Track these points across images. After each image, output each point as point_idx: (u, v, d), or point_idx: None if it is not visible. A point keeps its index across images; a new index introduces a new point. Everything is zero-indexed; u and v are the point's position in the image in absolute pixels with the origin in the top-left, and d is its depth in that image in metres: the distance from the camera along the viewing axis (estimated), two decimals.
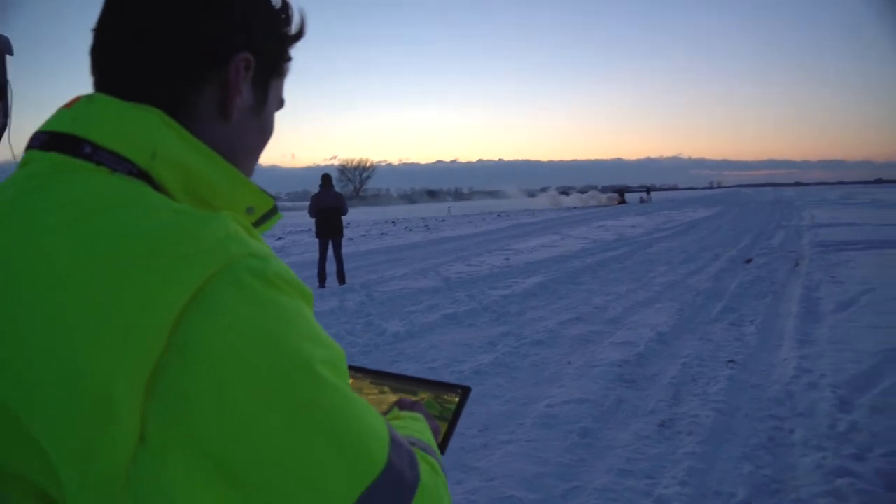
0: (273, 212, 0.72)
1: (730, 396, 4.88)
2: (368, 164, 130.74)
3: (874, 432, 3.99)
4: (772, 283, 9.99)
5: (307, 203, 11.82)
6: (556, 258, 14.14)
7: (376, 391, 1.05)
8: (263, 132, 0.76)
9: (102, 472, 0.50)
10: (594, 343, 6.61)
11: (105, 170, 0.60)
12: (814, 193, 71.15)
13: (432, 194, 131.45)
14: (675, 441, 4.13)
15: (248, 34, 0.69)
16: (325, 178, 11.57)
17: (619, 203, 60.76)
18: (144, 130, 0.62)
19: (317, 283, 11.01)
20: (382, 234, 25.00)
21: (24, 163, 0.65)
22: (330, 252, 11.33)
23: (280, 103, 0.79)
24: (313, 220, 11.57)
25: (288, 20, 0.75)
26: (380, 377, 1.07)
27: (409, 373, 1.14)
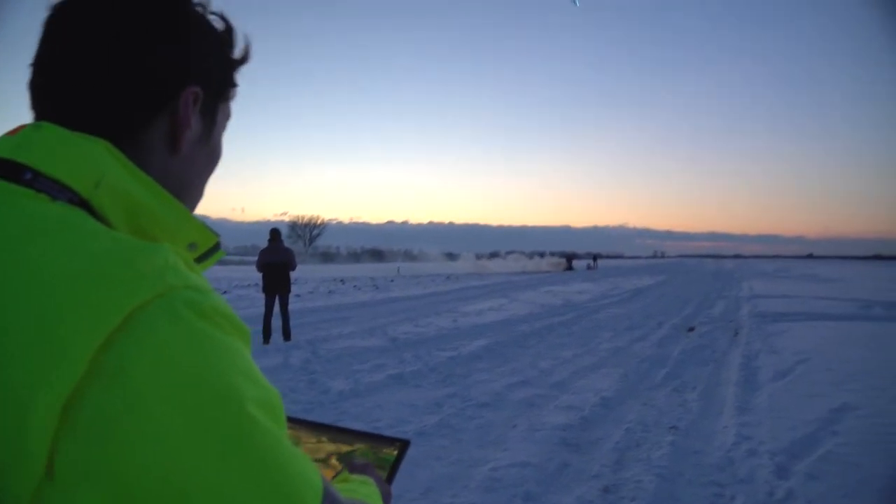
0: (215, 249, 0.70)
1: (672, 462, 4.90)
2: (319, 221, 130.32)
3: (810, 499, 4.05)
4: (713, 352, 10.21)
5: (256, 258, 11.66)
6: (504, 321, 14.19)
7: (314, 440, 1.03)
8: (212, 158, 0.76)
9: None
10: (539, 406, 6.60)
11: (45, 197, 0.59)
12: (752, 266, 73.69)
13: (381, 255, 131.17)
14: None
15: (197, 66, 0.69)
16: (274, 233, 11.46)
17: (566, 269, 61.74)
18: (88, 160, 0.61)
19: (261, 339, 10.78)
20: (331, 291, 24.74)
21: None
22: (276, 308, 11.14)
23: (227, 120, 0.78)
24: (261, 274, 11.40)
25: (232, 45, 0.75)
26: (318, 428, 1.05)
27: None
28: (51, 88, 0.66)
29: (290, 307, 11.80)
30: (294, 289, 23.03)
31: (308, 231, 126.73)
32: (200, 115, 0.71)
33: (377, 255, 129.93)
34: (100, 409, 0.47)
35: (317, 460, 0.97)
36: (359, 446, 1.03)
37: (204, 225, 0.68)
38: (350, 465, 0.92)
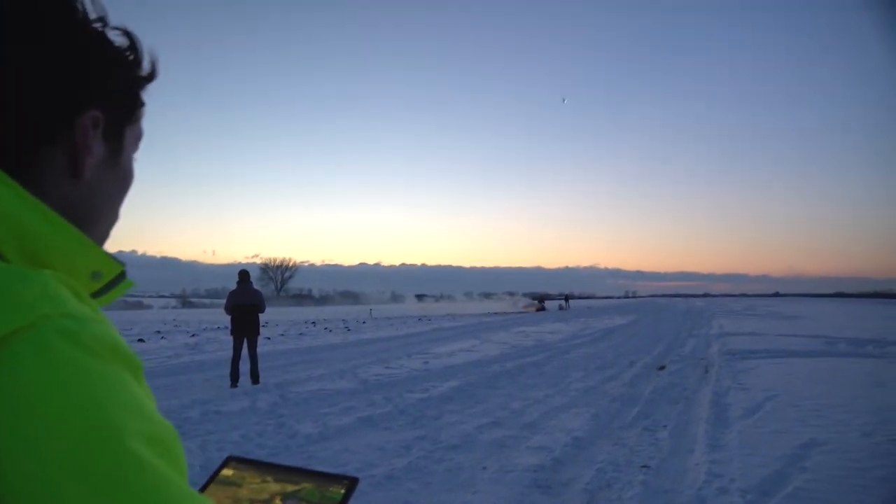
0: (121, 278, 0.67)
1: (644, 501, 4.86)
2: (291, 263, 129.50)
3: None
4: (684, 390, 10.24)
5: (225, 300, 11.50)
6: (475, 362, 14.12)
7: (258, 479, 1.00)
8: (123, 181, 0.73)
9: None
10: (510, 448, 6.52)
11: None
12: (721, 304, 74.59)
13: (355, 296, 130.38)
14: None
15: (94, 89, 0.65)
16: (243, 275, 11.33)
17: (538, 310, 61.91)
18: None
19: (229, 382, 10.57)
20: (301, 334, 24.45)
21: None
22: (245, 351, 10.95)
23: (138, 141, 0.75)
24: (229, 317, 11.22)
25: (137, 62, 0.70)
26: (263, 467, 1.02)
27: None
28: None
29: (260, 350, 11.62)
30: (264, 331, 22.76)
31: (280, 273, 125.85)
32: (104, 139, 0.67)
33: (350, 296, 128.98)
34: None
35: (260, 501, 0.94)
36: (304, 485, 0.99)
37: (107, 253, 0.65)
38: None
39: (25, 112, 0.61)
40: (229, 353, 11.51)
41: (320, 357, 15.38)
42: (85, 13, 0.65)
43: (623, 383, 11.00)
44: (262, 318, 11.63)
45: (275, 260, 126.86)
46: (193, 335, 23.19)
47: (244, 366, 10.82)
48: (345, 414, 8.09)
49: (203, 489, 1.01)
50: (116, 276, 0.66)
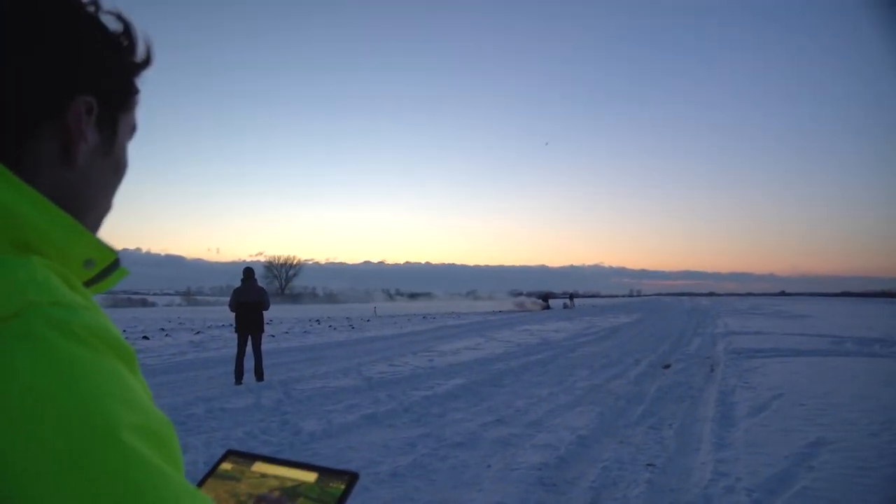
0: (115, 266, 0.65)
1: (649, 500, 4.83)
2: (295, 261, 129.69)
3: None
4: (689, 388, 10.20)
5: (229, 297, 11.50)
6: (480, 360, 14.09)
7: (258, 474, 0.98)
8: (116, 169, 0.71)
9: None
10: (515, 446, 6.50)
11: None
12: (726, 303, 74.46)
13: (359, 295, 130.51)
14: None
15: (87, 73, 0.64)
16: (247, 272, 11.33)
17: (543, 308, 61.87)
18: None
19: (233, 380, 10.58)
20: (305, 331, 24.46)
21: None
22: (249, 348, 10.95)
23: (132, 131, 0.74)
24: (234, 314, 11.23)
25: (132, 47, 0.69)
26: (263, 461, 1.01)
27: None
28: None
29: (264, 347, 11.64)
30: (269, 329, 22.82)
31: (284, 272, 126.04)
32: (98, 126, 0.66)
33: (354, 294, 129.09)
34: None
35: (259, 495, 0.92)
36: (304, 480, 0.97)
37: (100, 241, 0.63)
38: (262, 499, 0.87)
39: (16, 96, 0.60)
40: (233, 350, 11.52)
41: (324, 354, 15.39)
42: None
43: (628, 382, 10.97)
44: (267, 315, 11.64)
45: (279, 258, 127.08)
46: (198, 332, 23.22)
47: (248, 363, 10.83)
48: (349, 411, 8.08)
49: (202, 483, 0.99)
50: (110, 264, 0.65)
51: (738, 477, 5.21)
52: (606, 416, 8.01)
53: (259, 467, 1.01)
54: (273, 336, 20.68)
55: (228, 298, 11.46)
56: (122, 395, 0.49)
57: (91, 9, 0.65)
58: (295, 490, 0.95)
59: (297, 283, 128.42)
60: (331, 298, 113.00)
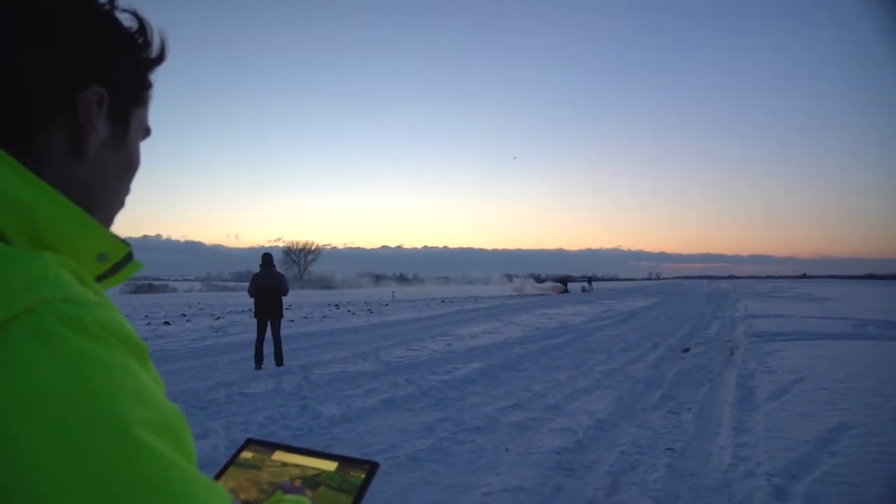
0: (128, 259, 0.65)
1: (668, 485, 4.82)
2: (314, 246, 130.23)
3: None
4: (708, 372, 10.14)
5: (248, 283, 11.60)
6: (498, 344, 14.10)
7: (278, 462, 0.99)
8: (128, 165, 0.71)
9: None
10: (533, 430, 6.51)
11: None
12: (746, 286, 73.86)
13: (377, 279, 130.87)
14: None
15: (99, 65, 0.64)
16: (266, 258, 11.40)
17: (561, 292, 61.72)
18: None
19: (253, 364, 10.69)
20: (324, 316, 24.62)
21: None
22: (268, 333, 11.05)
23: (145, 132, 0.74)
24: (252, 299, 11.32)
25: (146, 44, 0.70)
26: (283, 450, 1.01)
27: None
28: None
29: (283, 332, 11.72)
30: (288, 314, 22.96)
31: (303, 257, 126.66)
32: (109, 119, 0.66)
33: (372, 279, 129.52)
34: None
35: (280, 484, 0.94)
36: (325, 469, 0.98)
37: (113, 234, 0.64)
38: (282, 486, 0.89)
39: (26, 86, 0.60)
40: (253, 335, 11.63)
41: (343, 339, 15.48)
42: None
43: (647, 365, 10.93)
44: (286, 300, 11.71)
45: (297, 243, 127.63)
46: (218, 318, 23.47)
47: (268, 348, 10.93)
48: (368, 396, 8.13)
49: (222, 472, 1.00)
50: (123, 257, 0.65)
51: (757, 461, 5.18)
52: (625, 399, 7.99)
53: (279, 456, 1.02)
54: (292, 321, 20.84)
55: (247, 284, 11.56)
56: (134, 390, 0.49)
57: (106, 5, 0.66)
58: (315, 479, 0.95)
59: (316, 268, 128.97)
60: (348, 283, 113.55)
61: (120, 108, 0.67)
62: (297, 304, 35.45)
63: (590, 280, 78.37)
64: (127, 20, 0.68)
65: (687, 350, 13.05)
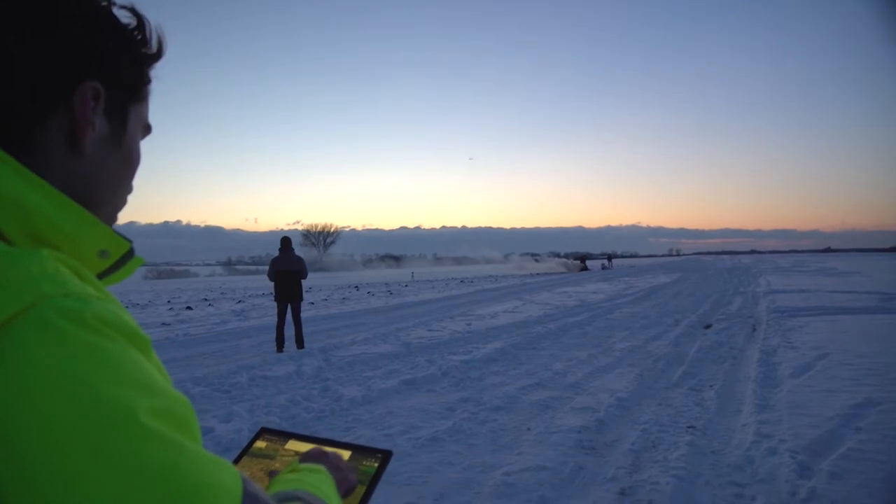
0: (130, 255, 0.66)
1: (690, 463, 4.80)
2: (332, 229, 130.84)
3: (834, 499, 3.94)
4: (730, 349, 10.06)
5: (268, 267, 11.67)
6: (518, 324, 14.11)
7: (292, 452, 0.99)
8: (128, 162, 0.71)
9: None
10: (554, 409, 6.51)
11: None
12: (768, 261, 73.10)
13: (396, 260, 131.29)
14: None
15: (95, 60, 0.64)
16: (285, 241, 11.45)
17: (581, 270, 61.56)
18: None
19: (275, 348, 10.79)
20: (344, 298, 24.75)
21: None
22: (289, 316, 11.13)
23: (146, 129, 0.73)
24: (272, 283, 11.40)
25: (144, 40, 0.69)
26: (297, 439, 1.02)
27: (363, 440, 1.08)
28: None
29: (303, 315, 11.80)
30: (308, 296, 23.13)
31: (322, 239, 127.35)
32: (107, 115, 0.66)
33: (392, 260, 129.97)
34: None
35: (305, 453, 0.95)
36: None
37: (113, 231, 0.64)
38: (305, 454, 0.91)
39: (23, 80, 0.60)
40: (274, 318, 11.73)
41: (363, 321, 15.56)
42: None
43: (668, 343, 10.86)
44: (306, 283, 11.79)
45: (316, 226, 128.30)
46: (239, 301, 23.68)
47: (289, 331, 11.02)
48: (388, 377, 8.18)
49: (236, 461, 1.00)
50: (125, 253, 0.65)
51: (781, 439, 5.14)
52: (646, 377, 7.95)
53: (293, 445, 1.02)
54: (312, 304, 20.99)
55: (267, 268, 11.63)
56: (138, 379, 0.50)
57: (102, 0, 0.66)
58: None
59: (335, 250, 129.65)
60: (369, 265, 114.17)
61: (117, 105, 0.67)
62: (317, 286, 35.68)
63: (609, 257, 78.20)
64: (124, 16, 0.68)
65: (709, 327, 12.96)
